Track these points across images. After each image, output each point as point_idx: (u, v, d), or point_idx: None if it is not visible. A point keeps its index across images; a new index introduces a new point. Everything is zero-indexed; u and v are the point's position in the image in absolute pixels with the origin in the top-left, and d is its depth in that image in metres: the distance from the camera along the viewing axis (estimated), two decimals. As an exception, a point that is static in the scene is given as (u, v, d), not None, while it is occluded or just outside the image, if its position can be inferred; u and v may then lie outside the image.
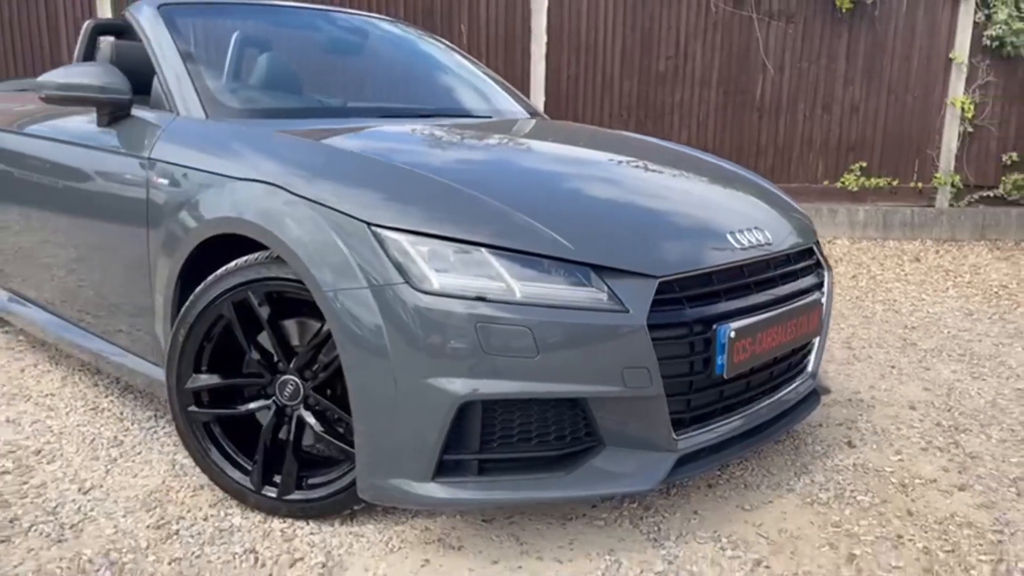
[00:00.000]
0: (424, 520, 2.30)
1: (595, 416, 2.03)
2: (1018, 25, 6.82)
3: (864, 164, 7.11)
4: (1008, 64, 7.02)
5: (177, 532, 2.22)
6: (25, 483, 2.47)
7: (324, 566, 2.08)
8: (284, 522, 2.28)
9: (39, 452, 2.67)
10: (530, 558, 2.13)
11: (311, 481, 2.27)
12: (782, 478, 2.58)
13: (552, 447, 2.05)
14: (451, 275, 1.94)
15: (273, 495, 2.28)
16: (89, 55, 3.20)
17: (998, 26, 6.83)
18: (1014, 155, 7.13)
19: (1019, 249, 6.73)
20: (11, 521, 2.26)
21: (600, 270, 2.00)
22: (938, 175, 7.12)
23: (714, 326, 2.09)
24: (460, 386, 1.92)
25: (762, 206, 2.60)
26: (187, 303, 2.28)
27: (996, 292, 5.30)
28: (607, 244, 2.05)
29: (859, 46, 7.00)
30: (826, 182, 7.14)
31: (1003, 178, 7.17)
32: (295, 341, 2.26)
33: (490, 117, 3.31)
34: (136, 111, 2.69)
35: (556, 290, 1.96)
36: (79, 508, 2.33)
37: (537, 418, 2.03)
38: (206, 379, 2.31)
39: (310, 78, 3.11)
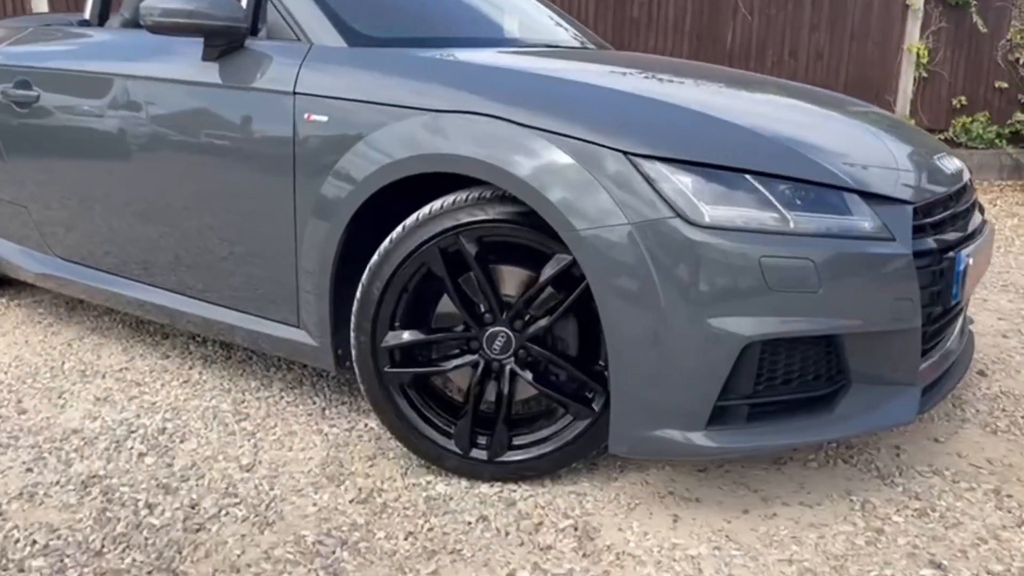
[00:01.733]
0: (637, 474, 2.17)
1: (848, 354, 1.94)
2: (970, -28, 7.08)
3: (829, 109, 7.27)
4: (957, 11, 7.30)
5: (386, 505, 2.01)
6: (172, 465, 2.18)
7: (576, 528, 1.92)
8: (492, 486, 2.10)
9: (163, 431, 2.36)
10: (776, 504, 2.04)
11: (517, 441, 2.10)
12: (945, 409, 2.58)
13: (808, 388, 1.95)
14: (721, 207, 1.80)
15: (482, 457, 2.09)
16: None
17: (952, -28, 7.08)
18: (963, 99, 7.45)
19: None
20: (192, 507, 1.99)
21: (866, 197, 1.90)
22: (896, 119, 7.36)
23: (952, 253, 2.04)
24: (745, 326, 1.79)
25: (927, 135, 2.56)
26: (381, 252, 2.04)
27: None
28: (862, 171, 1.95)
29: (826, -9, 7.11)
30: (794, 128, 7.25)
31: (953, 121, 7.48)
32: (506, 289, 2.06)
33: (585, 46, 3.14)
34: (251, 43, 2.38)
35: (829, 220, 1.85)
36: (256, 488, 2.08)
37: (800, 359, 1.92)
38: (408, 336, 2.08)
39: (414, 5, 2.83)
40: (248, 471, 2.16)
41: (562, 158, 1.85)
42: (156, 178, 2.53)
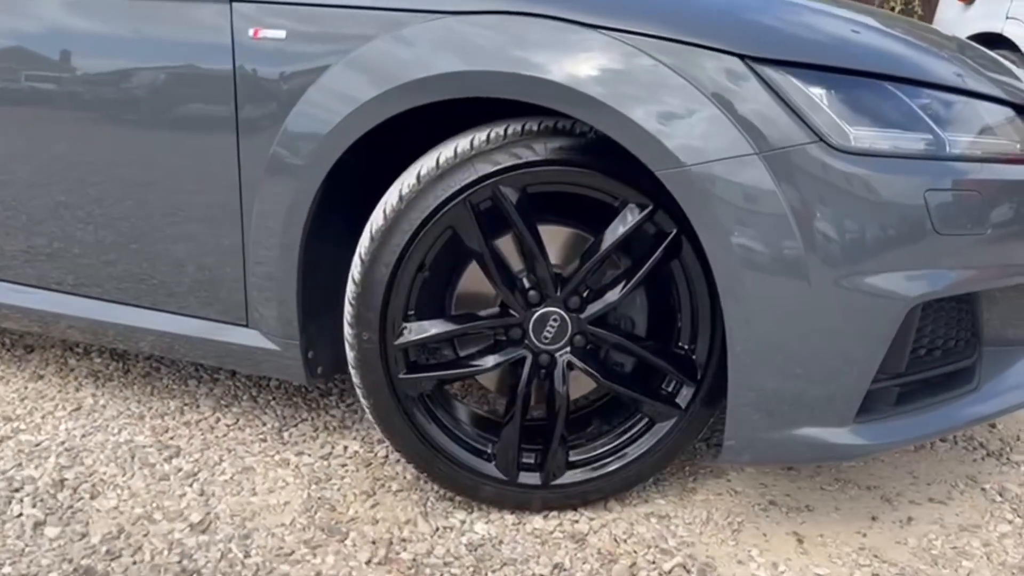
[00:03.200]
0: (717, 480, 1.71)
1: (983, 315, 1.55)
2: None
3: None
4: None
5: (418, 563, 1.45)
6: (88, 535, 1.52)
7: (687, 569, 1.44)
8: (546, 518, 1.59)
9: (62, 484, 1.69)
10: (903, 504, 1.64)
11: (574, 457, 1.59)
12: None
13: (952, 359, 1.54)
14: (864, 127, 1.35)
15: (534, 482, 1.56)
16: None
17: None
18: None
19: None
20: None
21: (1018, 111, 1.50)
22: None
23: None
24: (912, 284, 1.34)
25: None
26: (388, 216, 1.45)
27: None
28: (999, 81, 1.55)
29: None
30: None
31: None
32: (556, 258, 1.54)
33: None
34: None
35: (989, 141, 1.44)
36: (225, 558, 1.47)
37: (943, 322, 1.51)
38: (435, 328, 1.51)
39: None
40: (204, 532, 1.54)
41: (656, 68, 1.33)
42: (27, 132, 1.80)
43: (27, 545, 1.49)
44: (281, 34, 1.54)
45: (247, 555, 1.47)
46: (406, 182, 1.46)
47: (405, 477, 1.72)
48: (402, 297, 1.48)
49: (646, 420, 1.58)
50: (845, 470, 1.74)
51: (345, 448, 1.84)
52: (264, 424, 1.94)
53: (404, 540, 1.51)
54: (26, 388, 2.12)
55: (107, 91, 1.66)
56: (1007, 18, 5.95)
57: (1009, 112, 1.48)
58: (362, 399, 1.55)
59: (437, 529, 1.55)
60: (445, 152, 1.45)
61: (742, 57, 1.33)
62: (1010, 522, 1.58)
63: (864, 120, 1.35)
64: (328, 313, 1.71)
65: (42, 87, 1.73)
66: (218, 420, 1.96)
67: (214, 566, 1.44)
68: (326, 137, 1.49)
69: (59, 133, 1.73)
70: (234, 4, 1.57)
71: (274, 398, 2.07)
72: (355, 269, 1.49)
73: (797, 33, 1.39)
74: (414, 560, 1.46)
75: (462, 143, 1.45)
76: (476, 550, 1.49)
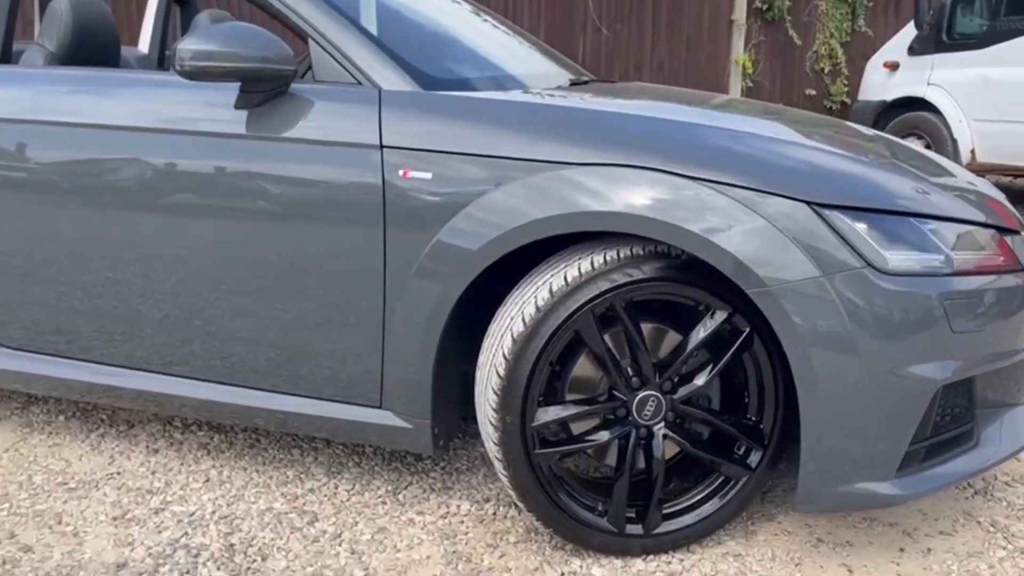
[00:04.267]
0: (770, 523, 2.11)
1: (979, 386, 2.00)
2: (785, -10, 7.70)
3: (672, 119, 7.63)
4: (774, 26, 7.91)
5: (558, 603, 1.81)
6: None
7: (770, 597, 1.84)
8: (646, 561, 1.96)
9: (232, 549, 1.99)
10: (920, 538, 2.06)
11: (667, 510, 1.98)
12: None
13: (958, 424, 1.98)
14: (897, 252, 1.78)
15: (638, 532, 1.94)
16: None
17: (769, -9, 7.66)
18: (781, 105, 8.08)
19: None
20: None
21: (996, 231, 1.96)
22: (729, 126, 7.87)
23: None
24: (938, 370, 1.78)
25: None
26: (528, 323, 1.82)
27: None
28: (976, 207, 2.00)
29: (662, 7, 7.42)
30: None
31: (775, 127, 8.10)
32: (657, 351, 1.93)
33: (588, 80, 3.01)
34: (296, 88, 2.05)
35: (978, 256, 1.89)
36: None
37: (952, 397, 1.95)
38: (559, 412, 1.88)
39: (446, 44, 2.56)
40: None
41: (741, 211, 1.75)
42: (168, 246, 2.12)
43: (229, 603, 1.80)
44: (428, 175, 1.91)
45: (417, 602, 1.80)
46: (540, 295, 1.84)
47: (517, 530, 2.08)
48: (537, 387, 1.85)
49: (722, 478, 1.98)
50: (869, 511, 2.16)
51: (458, 507, 2.18)
52: (378, 488, 2.27)
53: (538, 584, 1.87)
54: (149, 462, 2.40)
55: (272, 211, 2.00)
56: (928, 84, 6.65)
57: (991, 232, 1.93)
58: (502, 471, 1.90)
59: (563, 574, 1.91)
60: (571, 271, 1.84)
61: (807, 203, 1.75)
62: (1004, 548, 2.02)
63: (896, 247, 1.78)
64: (447, 395, 2.07)
65: (220, 210, 2.05)
66: (336, 486, 2.28)
67: (395, 613, 1.77)
68: (471, 255, 1.85)
69: (223, 240, 2.06)
70: (385, 151, 1.93)
71: (376, 464, 2.40)
72: (500, 366, 1.85)
73: (845, 183, 1.82)
74: (553, 600, 1.81)
75: (584, 264, 1.84)
76: (599, 590, 1.85)
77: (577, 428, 1.99)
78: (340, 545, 2.02)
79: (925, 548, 2.02)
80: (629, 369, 1.91)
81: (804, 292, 1.72)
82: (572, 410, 1.90)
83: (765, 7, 7.72)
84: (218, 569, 1.91)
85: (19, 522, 2.10)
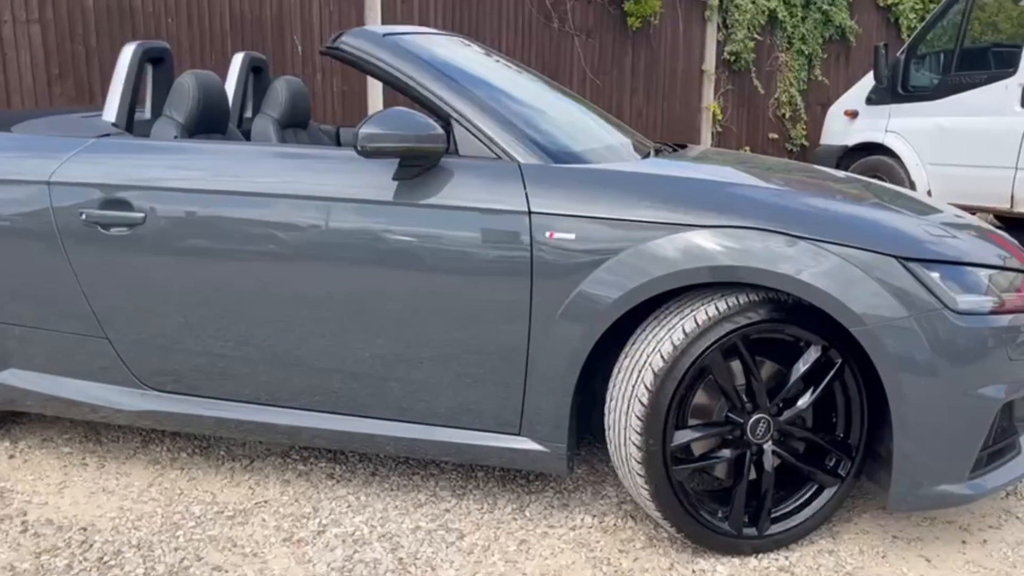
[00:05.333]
0: (848, 524, 2.49)
1: (1018, 406, 2.41)
2: (750, 43, 8.30)
3: (650, 163, 8.14)
4: (740, 75, 8.51)
5: (698, 594, 2.16)
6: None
7: (871, 583, 2.21)
8: (759, 559, 2.32)
9: (401, 563, 2.28)
10: (973, 529, 2.47)
11: (774, 514, 2.35)
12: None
13: (1007, 436, 2.38)
14: (962, 295, 2.20)
15: (752, 533, 2.30)
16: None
17: (737, 43, 8.25)
18: (747, 148, 8.67)
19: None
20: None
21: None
22: (702, 169, 8.42)
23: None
24: (1001, 392, 2.20)
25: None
26: (667, 359, 2.18)
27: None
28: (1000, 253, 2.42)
29: (640, 60, 7.94)
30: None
31: (742, 168, 8.68)
32: (764, 381, 2.30)
33: (681, 146, 3.36)
34: (446, 161, 2.40)
35: (1009, 295, 2.30)
36: None
37: (1003, 413, 2.36)
38: (689, 434, 2.24)
39: (549, 119, 2.90)
40: None
41: (845, 265, 2.14)
42: (334, 299, 2.42)
43: (422, 606, 2.09)
44: (571, 236, 2.26)
45: (582, 599, 2.12)
46: (675, 336, 2.20)
47: (640, 538, 2.41)
48: (673, 415, 2.21)
49: (815, 487, 2.35)
50: (932, 512, 2.56)
51: (581, 520, 2.51)
52: (505, 507, 2.58)
53: (677, 580, 2.21)
54: (288, 491, 2.67)
55: (430, 266, 2.33)
56: (886, 131, 7.27)
57: (1019, 276, 2.36)
58: (642, 485, 2.24)
59: (693, 571, 2.25)
60: (699, 315, 2.20)
61: (896, 257, 2.16)
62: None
63: (963, 291, 2.20)
64: (578, 421, 2.41)
65: (381, 266, 2.37)
66: (467, 507, 2.59)
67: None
68: (618, 300, 2.20)
69: (387, 292, 2.37)
70: (533, 216, 2.28)
71: (494, 486, 2.71)
72: (643, 396, 2.20)
73: (923, 240, 2.24)
74: (694, 592, 2.16)
75: (710, 309, 2.21)
76: (729, 583, 2.20)
77: (697, 448, 2.35)
78: (493, 555, 2.32)
79: (982, 540, 2.43)
80: (744, 396, 2.28)
81: (897, 328, 2.12)
82: (700, 432, 2.27)
83: (733, 59, 8.31)
84: (400, 578, 2.20)
85: (200, 546, 2.35)
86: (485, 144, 2.40)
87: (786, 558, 2.32)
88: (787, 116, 8.82)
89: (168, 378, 2.65)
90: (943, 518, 2.54)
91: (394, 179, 2.37)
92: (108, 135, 2.77)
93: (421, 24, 6.81)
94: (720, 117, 8.38)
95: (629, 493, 2.56)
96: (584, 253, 2.25)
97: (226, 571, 2.24)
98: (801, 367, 2.26)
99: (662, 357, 2.20)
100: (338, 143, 3.73)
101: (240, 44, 6.27)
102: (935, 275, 2.17)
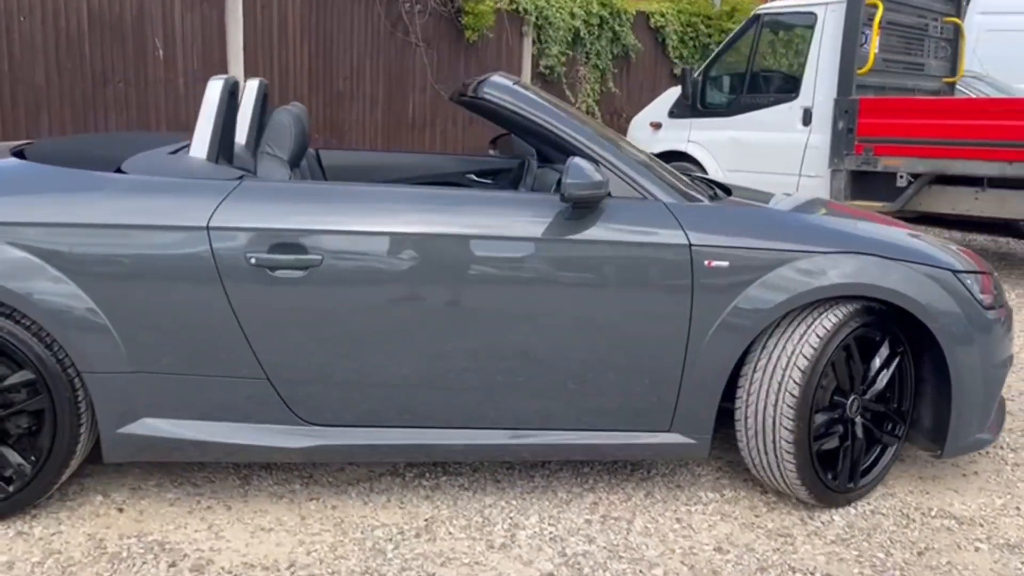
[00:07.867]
0: (892, 477, 3.26)
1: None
2: (562, 58, 9.10)
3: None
4: (552, 85, 9.28)
5: (842, 539, 2.77)
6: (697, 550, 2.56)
7: (928, 513, 2.97)
8: (853, 508, 2.99)
9: (615, 552, 2.65)
10: (1009, 499, 3.34)
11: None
12: None
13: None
14: (985, 295, 3.03)
15: (851, 487, 2.97)
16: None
17: (551, 57, 9.00)
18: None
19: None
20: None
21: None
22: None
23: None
24: (1006, 364, 3.06)
25: None
26: (810, 360, 2.75)
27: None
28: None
29: (472, 70, 8.39)
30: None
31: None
32: (858, 368, 2.97)
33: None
34: (605, 202, 2.78)
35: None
36: (767, 551, 2.63)
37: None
38: (821, 417, 2.84)
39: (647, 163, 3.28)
40: (722, 552, 2.67)
41: (923, 278, 2.87)
42: (518, 325, 2.70)
43: None
44: (726, 264, 2.76)
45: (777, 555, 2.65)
46: (811, 340, 2.78)
47: (759, 506, 2.97)
48: (814, 402, 2.80)
49: (881, 447, 3.07)
50: (964, 456, 3.38)
51: (709, 497, 3.02)
52: (634, 495, 3.02)
53: (804, 531, 2.81)
54: (403, 508, 2.89)
55: (601, 294, 2.71)
56: (688, 141, 8.42)
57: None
58: (790, 461, 2.80)
59: (822, 522, 2.86)
60: (825, 323, 2.81)
61: (951, 271, 2.92)
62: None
63: (980, 292, 3.02)
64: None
65: (556, 294, 2.70)
66: (607, 498, 2.99)
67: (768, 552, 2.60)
68: (768, 312, 2.74)
69: (563, 313, 2.71)
70: (693, 247, 2.75)
71: (620, 480, 3.12)
72: (793, 389, 2.76)
73: (956, 256, 3.03)
74: (838, 538, 2.77)
75: (831, 316, 2.81)
76: (850, 527, 2.84)
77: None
78: (668, 533, 2.76)
79: (996, 472, 3.30)
80: (858, 381, 2.93)
81: (958, 324, 2.88)
82: (828, 415, 2.88)
83: (547, 72, 9.05)
84: (618, 562, 2.57)
85: (423, 563, 2.53)
86: (631, 185, 2.81)
87: (867, 503, 3.01)
88: (594, 115, 9.76)
89: (328, 413, 2.74)
90: (954, 462, 3.39)
91: (567, 219, 2.70)
92: (242, 177, 2.76)
93: (280, 32, 6.74)
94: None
95: (753, 470, 3.01)
96: (737, 275, 2.76)
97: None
98: (882, 355, 2.95)
99: (805, 356, 2.77)
100: (320, 166, 3.91)
101: (99, 46, 5.83)
102: (969, 281, 2.97)
